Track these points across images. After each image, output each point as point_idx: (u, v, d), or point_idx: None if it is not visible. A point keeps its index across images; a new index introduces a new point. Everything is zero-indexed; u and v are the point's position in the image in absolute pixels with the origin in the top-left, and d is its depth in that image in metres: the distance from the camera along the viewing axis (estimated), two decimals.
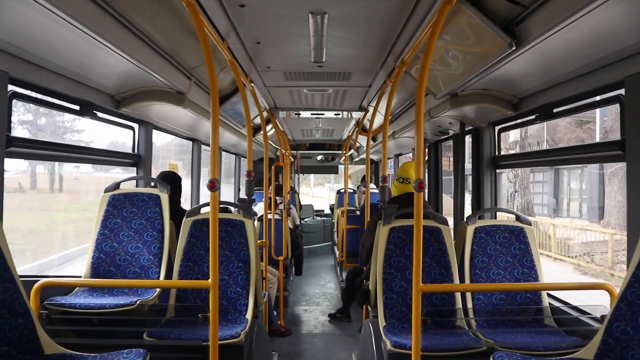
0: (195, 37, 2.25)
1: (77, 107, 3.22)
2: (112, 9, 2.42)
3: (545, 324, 3.09)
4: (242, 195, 3.68)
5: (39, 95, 2.88)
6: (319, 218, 12.09)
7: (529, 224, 3.33)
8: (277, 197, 6.46)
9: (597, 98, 2.84)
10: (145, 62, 2.94)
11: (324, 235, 11.60)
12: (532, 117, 3.46)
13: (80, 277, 3.21)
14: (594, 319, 2.77)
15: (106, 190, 3.38)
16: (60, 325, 2.65)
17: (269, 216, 5.51)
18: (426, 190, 5.97)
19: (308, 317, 6.27)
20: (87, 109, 3.28)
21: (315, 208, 12.83)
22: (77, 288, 3.03)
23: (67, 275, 3.66)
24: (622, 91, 2.49)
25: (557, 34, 2.22)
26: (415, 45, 2.99)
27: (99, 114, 3.46)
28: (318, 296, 7.42)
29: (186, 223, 3.36)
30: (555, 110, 3.21)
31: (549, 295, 3.28)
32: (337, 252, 8.31)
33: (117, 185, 3.40)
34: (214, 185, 2.17)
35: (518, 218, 3.37)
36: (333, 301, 7.06)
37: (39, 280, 2.40)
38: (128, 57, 2.75)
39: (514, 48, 2.43)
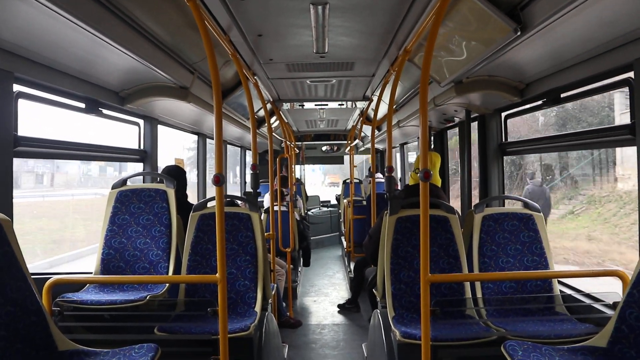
0: (197, 31, 2.23)
1: (82, 105, 3.25)
2: (114, 6, 2.42)
3: (556, 312, 3.05)
4: (248, 188, 3.68)
5: (44, 94, 2.89)
6: (325, 209, 12.08)
7: (538, 211, 3.29)
8: (284, 189, 6.46)
9: (606, 82, 2.80)
10: (148, 59, 2.94)
11: (331, 226, 11.61)
12: (539, 102, 3.42)
13: (90, 273, 3.24)
14: (607, 305, 2.73)
15: (113, 187, 3.39)
16: (72, 322, 2.68)
17: (275, 208, 5.52)
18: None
19: (317, 308, 6.30)
20: (92, 106, 3.31)
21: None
22: (88, 284, 3.05)
23: (78, 272, 3.69)
24: (631, 74, 2.45)
25: (563, 17, 2.18)
26: (418, 33, 2.96)
27: (104, 111, 3.47)
28: (326, 287, 7.45)
29: (193, 218, 3.36)
30: (562, 95, 3.17)
31: (560, 282, 3.25)
32: (344, 243, 8.32)
33: (124, 182, 3.41)
34: (219, 180, 2.15)
35: (526, 205, 3.33)
36: (341, 291, 7.09)
37: (50, 277, 2.42)
38: (131, 54, 2.76)
39: (519, 33, 2.40)
